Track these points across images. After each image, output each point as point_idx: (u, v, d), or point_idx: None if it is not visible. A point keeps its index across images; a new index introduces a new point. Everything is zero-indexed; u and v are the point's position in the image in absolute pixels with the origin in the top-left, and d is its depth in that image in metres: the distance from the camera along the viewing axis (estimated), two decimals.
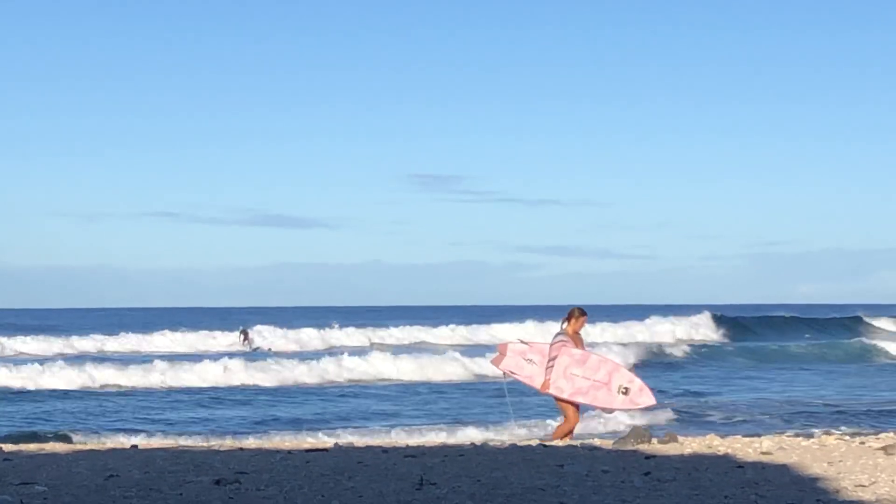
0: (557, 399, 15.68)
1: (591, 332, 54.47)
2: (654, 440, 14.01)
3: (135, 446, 14.68)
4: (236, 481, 10.07)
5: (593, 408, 16.39)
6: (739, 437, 15.26)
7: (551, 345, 15.72)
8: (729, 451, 12.87)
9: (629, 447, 13.43)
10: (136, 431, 22.87)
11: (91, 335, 58.30)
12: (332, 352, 46.28)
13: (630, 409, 16.40)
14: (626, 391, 15.60)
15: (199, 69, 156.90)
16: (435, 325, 62.71)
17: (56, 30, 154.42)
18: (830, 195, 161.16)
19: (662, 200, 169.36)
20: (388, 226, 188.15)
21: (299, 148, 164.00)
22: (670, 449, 13.22)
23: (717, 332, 59.47)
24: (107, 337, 57.72)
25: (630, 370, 16.81)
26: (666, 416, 24.52)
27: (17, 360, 42.04)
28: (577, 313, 15.81)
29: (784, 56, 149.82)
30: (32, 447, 14.79)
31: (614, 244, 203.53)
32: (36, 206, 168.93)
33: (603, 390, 15.55)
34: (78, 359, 42.79)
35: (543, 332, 55.04)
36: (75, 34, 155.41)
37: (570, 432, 15.60)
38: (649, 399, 15.85)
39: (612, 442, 14.24)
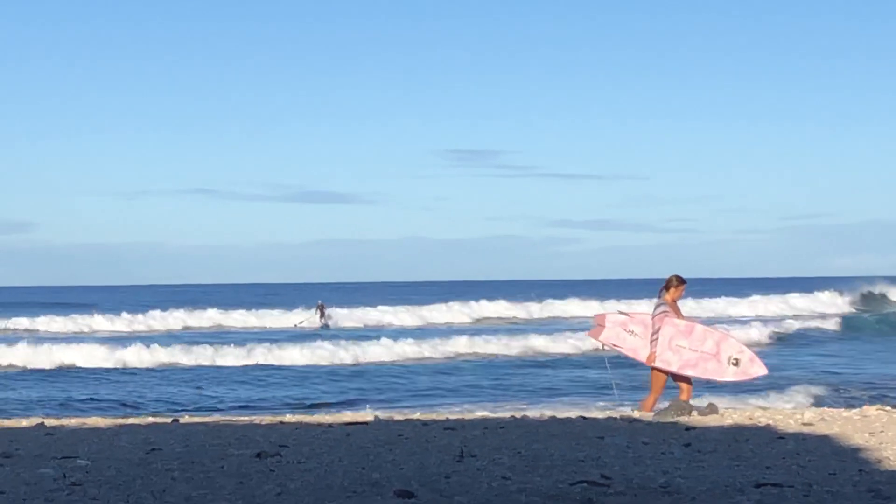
0: (655, 370, 15.09)
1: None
2: (695, 412, 13.95)
3: (176, 420, 14.77)
4: (277, 454, 10.12)
5: (703, 379, 15.47)
6: (781, 407, 15.17)
7: (653, 316, 15.15)
8: (770, 422, 12.82)
9: (669, 419, 13.41)
10: (215, 410, 22.33)
11: (150, 312, 57.40)
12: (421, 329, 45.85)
13: (742, 380, 15.48)
14: (736, 362, 14.98)
15: (238, 48, 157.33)
16: (491, 300, 62.37)
17: (96, 11, 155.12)
18: (869, 167, 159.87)
19: (700, 174, 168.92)
20: (426, 201, 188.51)
21: (338, 124, 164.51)
22: (711, 420, 13.19)
23: (846, 306, 58.34)
24: (168, 313, 57.24)
25: (742, 343, 15.86)
26: (805, 393, 23.09)
27: (61, 339, 42.27)
28: (675, 281, 15.20)
29: (822, 30, 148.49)
30: (74, 422, 14.93)
31: (652, 218, 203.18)
32: (75, 184, 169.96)
33: (712, 362, 14.96)
34: (132, 338, 42.80)
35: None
36: (116, 15, 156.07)
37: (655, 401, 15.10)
38: (761, 369, 15.18)
39: (652, 414, 14.21)
